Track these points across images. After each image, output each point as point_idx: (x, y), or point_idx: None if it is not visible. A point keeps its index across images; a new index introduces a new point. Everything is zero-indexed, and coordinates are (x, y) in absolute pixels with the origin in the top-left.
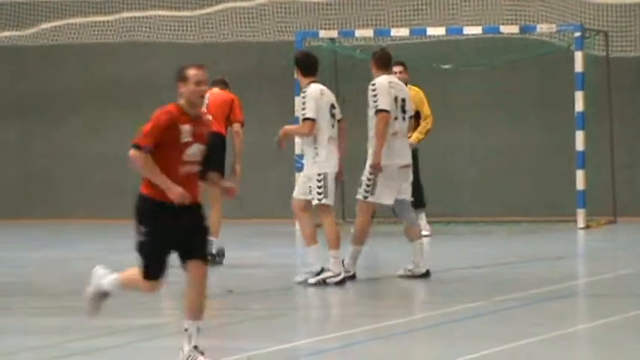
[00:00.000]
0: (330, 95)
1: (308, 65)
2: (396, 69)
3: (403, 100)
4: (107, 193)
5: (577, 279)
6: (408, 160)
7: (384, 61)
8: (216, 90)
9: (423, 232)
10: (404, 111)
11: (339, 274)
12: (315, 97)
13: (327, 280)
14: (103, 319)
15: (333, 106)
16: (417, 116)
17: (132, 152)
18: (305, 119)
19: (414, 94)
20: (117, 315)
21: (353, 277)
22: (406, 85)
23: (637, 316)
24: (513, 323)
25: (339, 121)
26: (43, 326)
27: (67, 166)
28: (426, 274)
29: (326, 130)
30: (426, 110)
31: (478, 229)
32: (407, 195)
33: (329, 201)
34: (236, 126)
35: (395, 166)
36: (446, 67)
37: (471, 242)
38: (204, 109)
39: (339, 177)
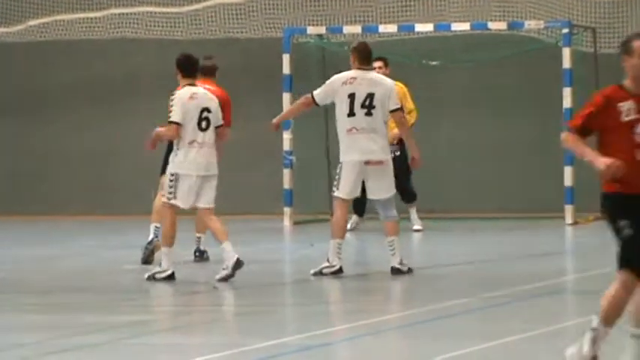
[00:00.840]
0: (205, 99)
1: (187, 67)
2: (376, 64)
3: (369, 96)
4: (98, 189)
5: (565, 275)
6: (372, 157)
7: (363, 55)
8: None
9: (415, 227)
10: (365, 107)
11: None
12: (182, 101)
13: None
14: (94, 315)
15: (206, 110)
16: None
17: (562, 135)
18: (169, 122)
19: (399, 90)
20: (106, 311)
21: (339, 271)
22: None
23: (625, 313)
24: (501, 320)
25: (217, 127)
26: (33, 323)
27: (57, 162)
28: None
29: (190, 134)
30: (409, 105)
31: (466, 226)
32: (375, 195)
33: (177, 202)
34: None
35: (355, 161)
36: (434, 63)
37: (459, 239)
38: None
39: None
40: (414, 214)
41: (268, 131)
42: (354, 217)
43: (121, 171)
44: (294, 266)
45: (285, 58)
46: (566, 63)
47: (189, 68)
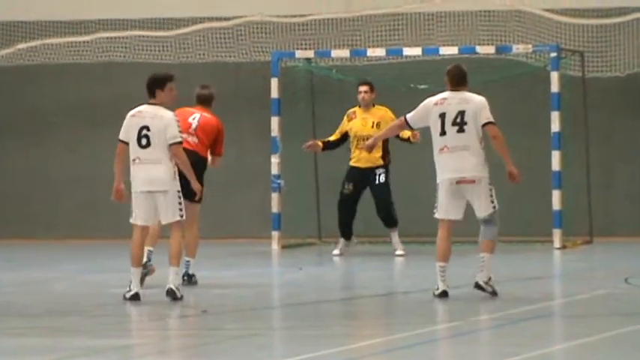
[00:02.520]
0: (145, 118)
1: (147, 86)
2: (362, 88)
3: (460, 113)
4: (83, 213)
5: (553, 299)
6: (463, 175)
7: (454, 78)
8: (206, 114)
9: (397, 252)
10: (456, 124)
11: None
12: (126, 119)
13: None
14: (82, 339)
15: (145, 128)
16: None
17: None
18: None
19: (382, 113)
20: (92, 335)
21: (443, 294)
22: (373, 105)
23: (613, 337)
24: (490, 344)
25: (170, 144)
26: (21, 347)
27: (43, 186)
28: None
29: (132, 151)
30: None
31: (455, 249)
32: (477, 212)
33: (134, 220)
34: (217, 159)
35: (447, 180)
36: (422, 87)
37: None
38: (192, 130)
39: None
40: (395, 237)
41: (365, 150)
42: (342, 241)
43: (107, 194)
44: (283, 290)
45: (274, 82)
46: (555, 87)
47: (148, 87)
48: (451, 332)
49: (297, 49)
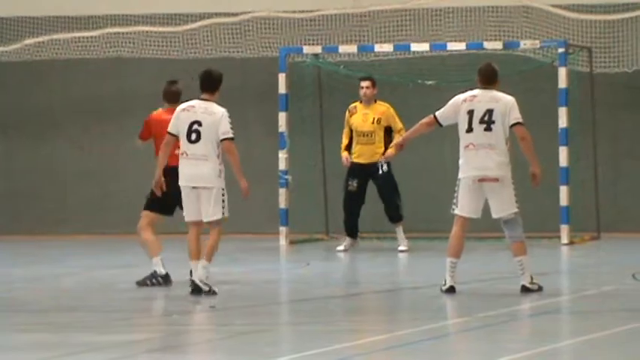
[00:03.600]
0: (197, 113)
1: (205, 81)
2: (364, 84)
3: (488, 111)
4: (92, 208)
5: (561, 295)
6: (487, 173)
7: (485, 75)
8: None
9: (400, 248)
10: (483, 122)
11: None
12: (175, 113)
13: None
14: (90, 335)
15: (196, 123)
16: (388, 131)
17: None
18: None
19: (384, 109)
20: (100, 331)
21: (451, 289)
22: (374, 101)
23: (621, 333)
24: (497, 340)
25: (222, 140)
26: (30, 342)
27: (51, 182)
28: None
29: (181, 144)
30: (397, 124)
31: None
32: (496, 213)
33: (185, 216)
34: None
35: (470, 178)
36: (429, 82)
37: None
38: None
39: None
40: (400, 233)
41: (391, 155)
42: (348, 240)
43: (116, 190)
44: (291, 286)
45: (281, 78)
46: (562, 83)
47: (200, 83)
48: (458, 328)
49: (305, 44)
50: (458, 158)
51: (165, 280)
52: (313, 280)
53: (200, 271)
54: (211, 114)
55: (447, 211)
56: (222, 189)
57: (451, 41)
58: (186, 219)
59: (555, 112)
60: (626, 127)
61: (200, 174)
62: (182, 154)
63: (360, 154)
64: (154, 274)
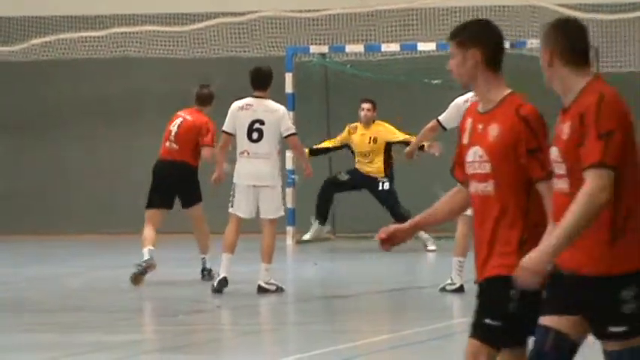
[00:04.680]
0: (257, 111)
1: (250, 79)
2: (365, 106)
3: (256, 122)
4: (98, 208)
5: None
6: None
7: None
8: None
9: (430, 247)
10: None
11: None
12: (231, 111)
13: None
14: (95, 334)
15: (258, 122)
16: (388, 149)
17: None
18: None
19: (380, 129)
20: (104, 331)
21: (460, 289)
22: (373, 122)
23: None
24: None
25: (286, 136)
26: (34, 342)
27: (57, 181)
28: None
29: (240, 143)
30: (399, 136)
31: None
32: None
33: (234, 210)
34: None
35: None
36: (436, 82)
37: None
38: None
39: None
40: (421, 235)
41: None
42: (317, 225)
43: (122, 190)
44: (297, 285)
45: (288, 77)
46: None
47: (251, 81)
48: (463, 327)
49: (312, 44)
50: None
51: (148, 265)
52: (320, 280)
53: (263, 274)
54: (273, 112)
55: None
56: (281, 187)
57: None
58: (239, 214)
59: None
60: (634, 127)
61: (262, 173)
62: (242, 152)
63: (361, 168)
64: (139, 263)
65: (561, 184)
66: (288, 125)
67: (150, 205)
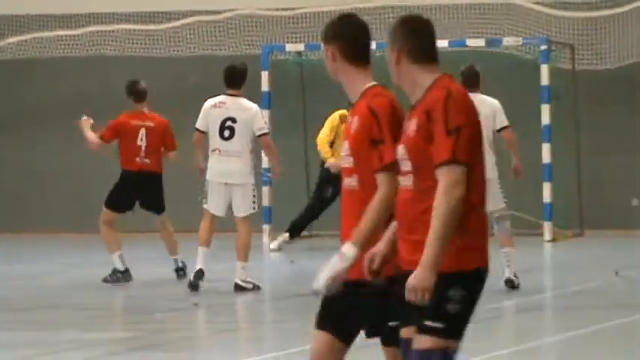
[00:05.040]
0: (229, 109)
1: (224, 77)
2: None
3: (228, 120)
4: (74, 207)
5: (544, 292)
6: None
7: (467, 79)
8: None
9: None
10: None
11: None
12: (204, 109)
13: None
14: (72, 332)
15: (230, 120)
16: None
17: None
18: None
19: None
20: (83, 329)
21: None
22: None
23: (604, 329)
24: (481, 336)
25: (259, 136)
26: (11, 340)
27: (34, 179)
28: None
29: (212, 141)
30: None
31: None
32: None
33: (207, 206)
34: (172, 154)
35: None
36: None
37: None
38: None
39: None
40: None
41: None
42: (286, 237)
43: (101, 188)
44: (273, 283)
45: (264, 75)
46: (545, 79)
47: (224, 79)
48: None
49: (288, 42)
50: None
51: (125, 276)
52: (297, 278)
53: (240, 272)
54: (245, 110)
55: None
56: (253, 184)
57: None
58: (214, 212)
59: (538, 109)
60: (610, 124)
61: (233, 170)
62: (214, 150)
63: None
64: (114, 271)
65: (406, 181)
66: (260, 125)
67: (115, 208)
